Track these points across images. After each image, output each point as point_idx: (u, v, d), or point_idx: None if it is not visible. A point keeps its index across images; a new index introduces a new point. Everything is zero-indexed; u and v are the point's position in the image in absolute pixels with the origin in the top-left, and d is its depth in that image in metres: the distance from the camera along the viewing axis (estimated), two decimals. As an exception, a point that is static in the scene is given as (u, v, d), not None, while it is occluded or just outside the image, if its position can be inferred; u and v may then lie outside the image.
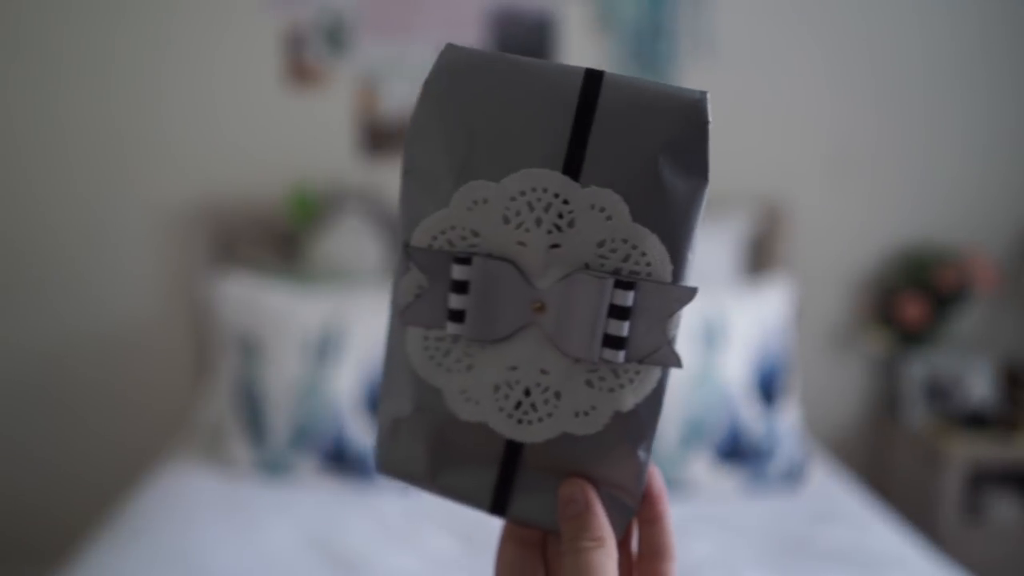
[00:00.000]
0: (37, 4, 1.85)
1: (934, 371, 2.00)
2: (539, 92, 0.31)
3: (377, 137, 1.94)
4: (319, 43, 1.90)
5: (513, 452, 0.33)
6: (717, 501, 1.44)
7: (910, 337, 2.00)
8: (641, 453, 0.33)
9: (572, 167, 0.31)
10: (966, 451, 1.81)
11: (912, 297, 1.95)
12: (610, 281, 0.31)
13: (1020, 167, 2.08)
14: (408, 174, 0.33)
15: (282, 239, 1.87)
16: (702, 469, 1.48)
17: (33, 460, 2.01)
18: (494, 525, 1.33)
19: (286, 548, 1.24)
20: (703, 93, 0.31)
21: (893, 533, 1.33)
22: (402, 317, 0.33)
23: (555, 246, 0.31)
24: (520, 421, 0.32)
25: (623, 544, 0.35)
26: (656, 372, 0.32)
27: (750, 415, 1.50)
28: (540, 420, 0.32)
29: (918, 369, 1.99)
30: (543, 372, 0.32)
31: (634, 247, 0.31)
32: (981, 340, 2.10)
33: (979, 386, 1.99)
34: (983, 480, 1.94)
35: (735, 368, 1.51)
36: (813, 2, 1.98)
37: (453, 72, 0.31)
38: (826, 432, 2.12)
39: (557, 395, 0.32)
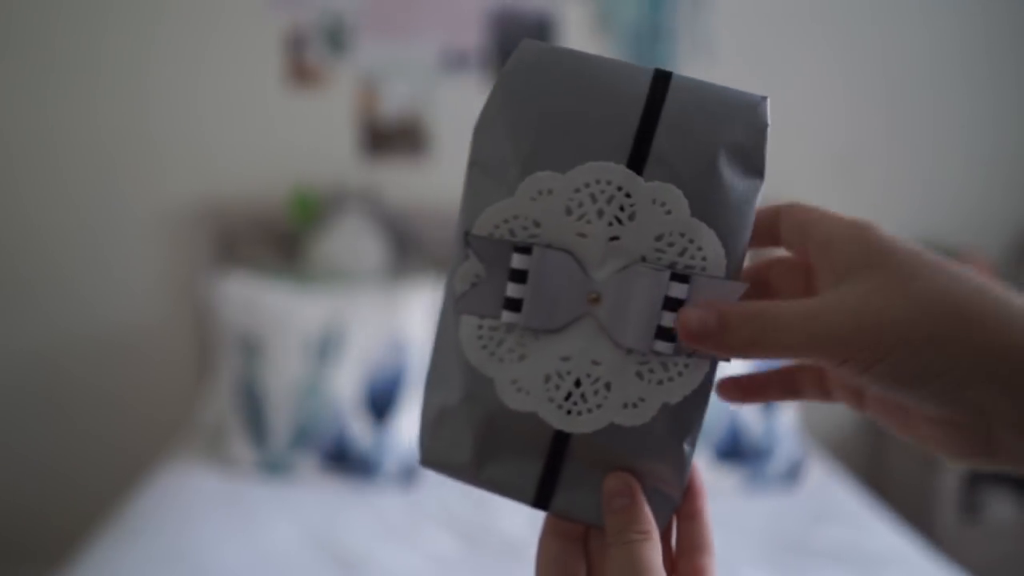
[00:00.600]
0: (39, 5, 1.86)
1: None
2: (609, 89, 0.32)
3: (377, 137, 1.94)
4: (320, 44, 1.90)
5: (560, 444, 0.33)
6: (716, 500, 1.45)
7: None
8: (686, 446, 0.33)
9: (636, 162, 0.32)
10: (964, 450, 1.82)
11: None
12: (666, 273, 0.32)
13: (1017, 167, 2.09)
14: (475, 165, 0.33)
15: (283, 239, 1.87)
16: (701, 468, 1.48)
17: (35, 460, 2.01)
18: (494, 525, 1.33)
19: (287, 547, 1.24)
20: (763, 97, 0.33)
21: (891, 532, 1.34)
22: (457, 305, 0.33)
23: (614, 238, 0.32)
24: (569, 412, 0.33)
25: (664, 538, 0.36)
26: (705, 365, 0.33)
27: (749, 415, 1.51)
28: (589, 411, 0.33)
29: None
30: (595, 363, 0.33)
31: (691, 241, 0.32)
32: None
33: (977, 386, 1.99)
34: (980, 479, 1.95)
35: (734, 368, 1.52)
36: (812, 3, 1.99)
37: (528, 66, 0.33)
38: (824, 432, 2.13)
39: (607, 386, 0.33)
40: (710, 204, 0.32)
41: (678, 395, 0.33)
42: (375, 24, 1.91)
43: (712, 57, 1.97)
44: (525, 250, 0.32)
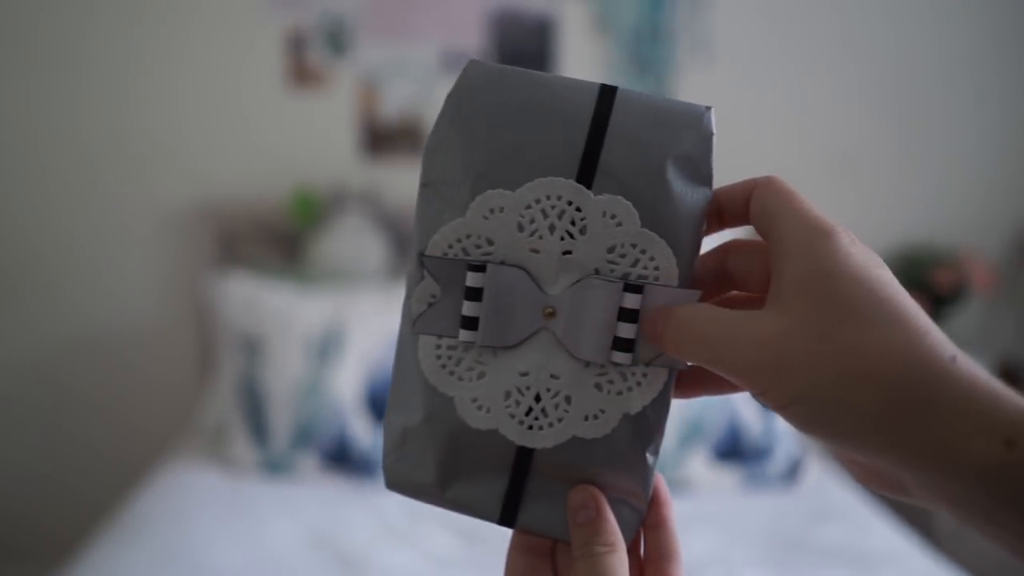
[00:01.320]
0: (39, 5, 1.86)
1: (931, 371, 2.01)
2: (556, 105, 0.33)
3: (378, 138, 1.95)
4: (320, 45, 1.91)
5: (523, 460, 0.34)
6: (716, 499, 1.45)
7: (907, 337, 2.01)
8: (649, 456, 0.34)
9: (585, 176, 0.32)
10: (962, 450, 1.82)
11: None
12: (619, 284, 0.32)
13: (1017, 169, 2.09)
14: (426, 186, 0.34)
15: (284, 239, 1.88)
16: (701, 468, 1.49)
17: (37, 460, 2.02)
18: (494, 524, 1.34)
19: (288, 546, 1.25)
20: (708, 108, 0.33)
21: (890, 531, 1.35)
22: (414, 326, 0.34)
23: (567, 253, 0.33)
24: (531, 427, 0.33)
25: (632, 549, 0.36)
26: (663, 374, 0.33)
27: (748, 414, 1.52)
28: (551, 425, 0.33)
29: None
30: (553, 377, 0.33)
31: (643, 252, 0.32)
32: (978, 340, 2.11)
33: (975, 385, 2.00)
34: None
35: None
36: (811, 4, 1.99)
37: (474, 86, 0.33)
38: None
39: (567, 399, 0.33)
40: (660, 214, 0.32)
41: (638, 405, 0.33)
42: (375, 25, 1.91)
43: (711, 57, 1.98)
44: (479, 268, 0.33)
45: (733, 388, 0.34)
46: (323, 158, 1.94)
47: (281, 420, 1.48)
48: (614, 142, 0.32)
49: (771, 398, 0.29)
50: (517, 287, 0.33)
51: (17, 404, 2.00)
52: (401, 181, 1.95)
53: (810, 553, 1.26)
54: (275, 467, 1.48)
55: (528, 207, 0.32)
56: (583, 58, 1.96)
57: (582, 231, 0.32)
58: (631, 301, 0.32)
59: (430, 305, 0.33)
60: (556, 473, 0.34)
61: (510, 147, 0.33)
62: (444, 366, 0.33)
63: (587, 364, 0.33)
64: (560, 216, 0.32)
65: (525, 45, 1.94)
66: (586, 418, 0.33)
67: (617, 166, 0.32)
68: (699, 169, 0.33)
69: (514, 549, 0.35)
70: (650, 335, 0.32)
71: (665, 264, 0.32)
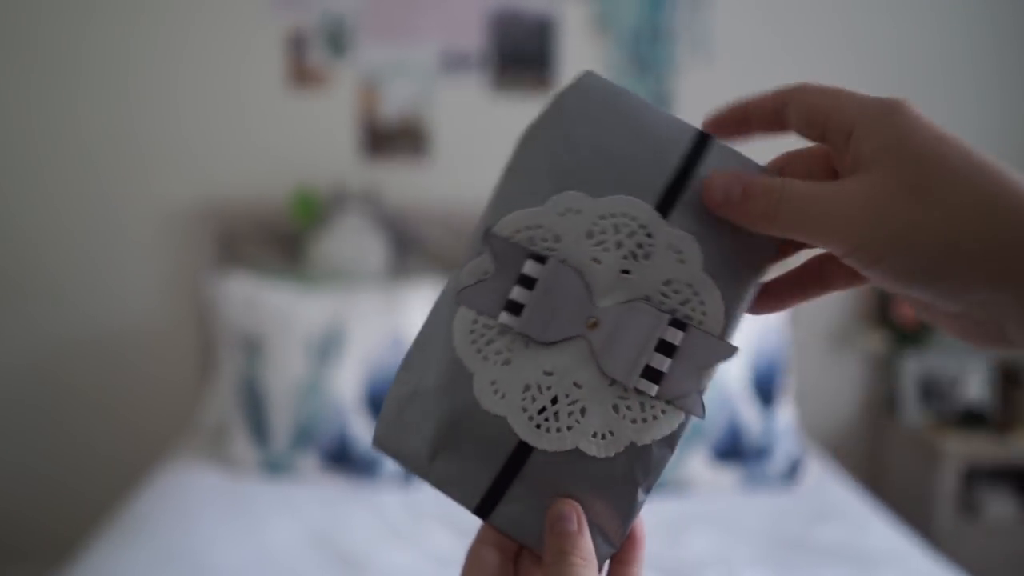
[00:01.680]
0: (40, 6, 1.86)
1: (930, 370, 2.01)
2: (654, 133, 0.35)
3: (378, 138, 1.95)
4: (321, 45, 1.91)
5: (518, 458, 0.33)
6: (715, 499, 1.46)
7: (906, 336, 2.02)
8: (641, 494, 0.34)
9: (665, 207, 0.34)
10: (962, 449, 1.83)
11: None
12: (666, 318, 0.33)
13: (1016, 169, 2.09)
14: (511, 170, 0.35)
15: (284, 240, 1.88)
16: (700, 467, 1.49)
17: (38, 460, 2.02)
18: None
19: (289, 545, 1.25)
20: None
21: (889, 530, 1.35)
22: (459, 295, 0.34)
23: (625, 272, 0.33)
24: (539, 426, 0.33)
25: None
26: (679, 417, 0.33)
27: (748, 414, 1.52)
28: (558, 430, 0.33)
29: (914, 368, 2.01)
30: (576, 385, 0.33)
31: (695, 294, 0.33)
32: (977, 340, 2.11)
33: (975, 385, 2.00)
34: (979, 478, 1.96)
35: (732, 368, 1.52)
36: (810, 4, 2.00)
37: (586, 91, 0.35)
38: (823, 431, 2.14)
39: (582, 411, 0.33)
40: (723, 264, 0.33)
41: (648, 438, 0.33)
42: (376, 26, 1.91)
43: (711, 57, 1.98)
44: (540, 259, 0.33)
45: (815, 285, 0.35)
46: (323, 158, 1.94)
47: (281, 420, 1.48)
48: (699, 184, 0.34)
49: (865, 253, 0.29)
50: (569, 289, 0.33)
51: (18, 404, 2.00)
52: (401, 181, 1.96)
53: (810, 553, 1.27)
54: (275, 467, 1.48)
55: (603, 217, 0.34)
56: (583, 58, 1.96)
57: (646, 256, 0.33)
58: (673, 336, 0.33)
59: (480, 281, 0.34)
60: (545, 480, 0.33)
61: (603, 157, 0.34)
62: (474, 342, 0.34)
63: (612, 383, 0.33)
64: (630, 236, 0.33)
65: (525, 45, 1.95)
66: (594, 435, 0.33)
67: (697, 207, 0.34)
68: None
69: (482, 543, 0.34)
70: (726, 206, 0.32)
71: (713, 311, 0.33)
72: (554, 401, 0.33)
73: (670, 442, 0.33)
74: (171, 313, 1.98)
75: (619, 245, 0.33)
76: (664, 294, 0.33)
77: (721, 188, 0.32)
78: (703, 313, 0.33)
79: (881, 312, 2.04)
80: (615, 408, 0.33)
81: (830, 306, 2.10)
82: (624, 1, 1.95)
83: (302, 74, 1.92)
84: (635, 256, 0.33)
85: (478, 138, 1.97)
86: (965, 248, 0.27)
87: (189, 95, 1.92)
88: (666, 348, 0.33)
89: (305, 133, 1.94)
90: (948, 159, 0.28)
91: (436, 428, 0.34)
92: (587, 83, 0.35)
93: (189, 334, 1.97)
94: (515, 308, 0.33)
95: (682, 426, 0.33)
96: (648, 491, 0.34)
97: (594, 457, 0.33)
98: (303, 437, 1.48)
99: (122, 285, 1.97)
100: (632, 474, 0.33)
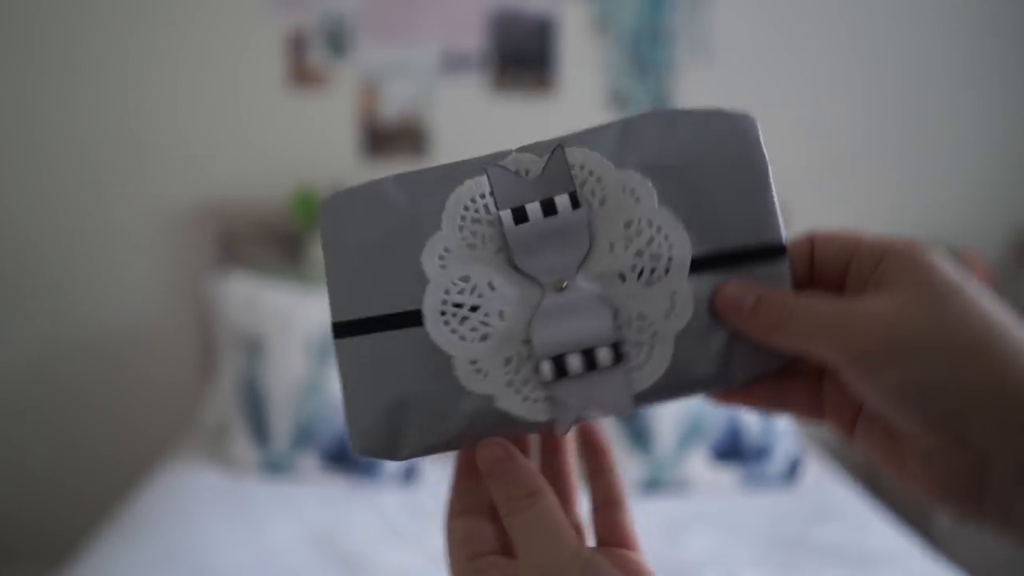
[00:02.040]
0: (39, 5, 1.86)
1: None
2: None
3: (378, 138, 1.95)
4: (321, 45, 1.91)
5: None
6: (715, 499, 1.46)
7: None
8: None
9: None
10: (962, 450, 1.82)
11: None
12: (610, 340, 0.33)
13: (1016, 169, 2.10)
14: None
15: (285, 240, 1.88)
16: (700, 467, 1.49)
17: (39, 460, 2.02)
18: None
19: (289, 545, 1.25)
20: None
21: (889, 531, 1.35)
22: (494, 172, 0.35)
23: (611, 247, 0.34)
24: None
25: (567, 502, 0.36)
26: (547, 415, 0.33)
27: (748, 414, 1.52)
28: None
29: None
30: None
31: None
32: (977, 340, 2.11)
33: (975, 385, 2.00)
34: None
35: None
36: (810, 5, 2.00)
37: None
38: (822, 431, 2.14)
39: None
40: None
41: (518, 412, 0.34)
42: (376, 26, 1.92)
43: (711, 57, 1.98)
44: (575, 202, 0.34)
45: (776, 404, 0.35)
46: (323, 158, 1.94)
47: (282, 420, 1.48)
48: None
49: (872, 360, 0.29)
50: (575, 240, 0.34)
51: (18, 404, 2.00)
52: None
53: (810, 553, 1.27)
54: (276, 467, 1.48)
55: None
56: (583, 58, 1.97)
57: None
58: (602, 358, 0.33)
59: (518, 174, 0.34)
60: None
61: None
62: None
63: (527, 341, 0.34)
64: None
65: (525, 45, 1.95)
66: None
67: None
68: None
69: (451, 517, 0.35)
70: (729, 307, 0.33)
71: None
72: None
73: (531, 428, 0.34)
74: (171, 313, 1.98)
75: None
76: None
77: (734, 296, 0.33)
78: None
79: (881, 312, 2.04)
80: (506, 361, 0.33)
81: (830, 306, 2.10)
82: (624, 1, 1.95)
83: (302, 74, 1.92)
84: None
85: (478, 138, 1.97)
86: (972, 373, 0.28)
87: (189, 95, 1.92)
88: (588, 361, 0.33)
89: (305, 133, 1.94)
90: (964, 289, 0.29)
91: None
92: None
93: (189, 334, 1.97)
94: (521, 217, 0.34)
95: (544, 424, 0.33)
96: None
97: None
98: (303, 437, 1.48)
99: (122, 285, 1.97)
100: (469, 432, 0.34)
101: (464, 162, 0.35)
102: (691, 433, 1.49)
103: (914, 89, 2.04)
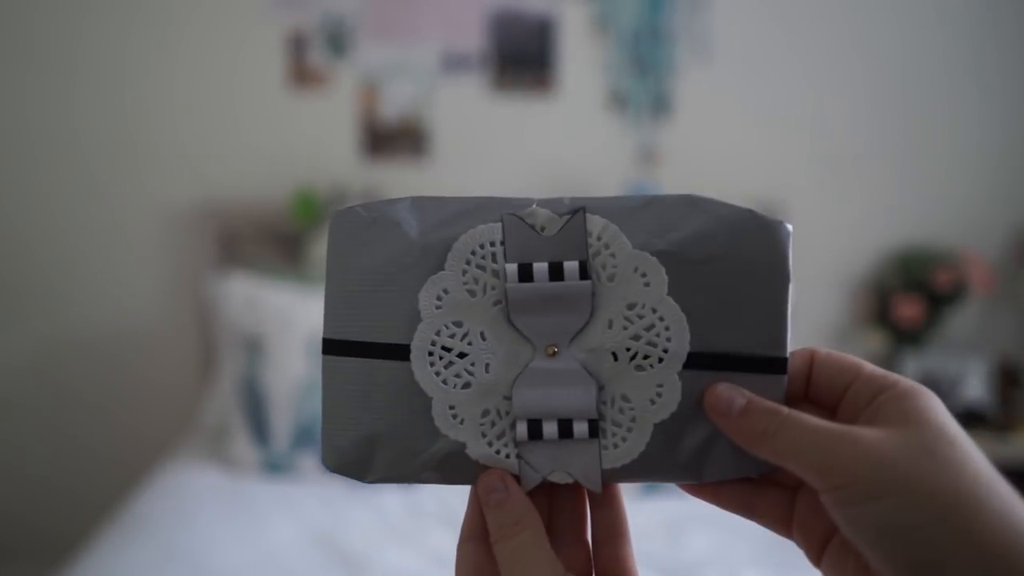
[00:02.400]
0: (38, 5, 1.86)
1: (930, 371, 2.01)
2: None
3: (378, 138, 1.95)
4: (321, 46, 1.91)
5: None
6: (715, 499, 1.46)
7: (906, 337, 2.02)
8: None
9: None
10: (962, 450, 1.83)
11: (908, 297, 1.96)
12: (591, 414, 0.33)
13: (1016, 169, 2.10)
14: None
15: (285, 240, 1.88)
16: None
17: (39, 460, 2.02)
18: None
19: (289, 545, 1.25)
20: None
21: (889, 530, 1.35)
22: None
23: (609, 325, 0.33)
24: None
25: (579, 531, 0.36)
26: (512, 469, 0.34)
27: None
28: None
29: (914, 369, 2.01)
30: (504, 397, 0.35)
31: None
32: (976, 340, 2.11)
33: (974, 385, 2.00)
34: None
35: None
36: (809, 5, 2.00)
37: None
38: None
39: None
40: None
41: (475, 453, 0.34)
42: (376, 26, 1.92)
43: (711, 57, 1.98)
44: (585, 274, 0.33)
45: (740, 507, 0.35)
46: (324, 158, 1.94)
47: (282, 420, 1.48)
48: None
49: (853, 492, 0.29)
50: (577, 305, 0.33)
51: (18, 405, 2.00)
52: (401, 182, 1.96)
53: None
54: (276, 467, 1.48)
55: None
56: (583, 58, 1.97)
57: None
58: (578, 430, 0.33)
59: (534, 234, 0.34)
60: None
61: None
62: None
63: (507, 398, 0.34)
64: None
65: (525, 45, 1.95)
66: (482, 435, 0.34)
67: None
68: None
69: (465, 540, 0.35)
70: (724, 417, 0.32)
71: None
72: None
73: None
74: (171, 313, 1.98)
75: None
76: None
77: (724, 397, 0.32)
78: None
79: (880, 313, 2.05)
80: (484, 413, 0.34)
81: (830, 307, 2.10)
82: (624, 1, 1.95)
83: (302, 74, 1.92)
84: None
85: (478, 138, 1.97)
86: (957, 528, 0.27)
87: (189, 95, 1.92)
88: (564, 429, 0.33)
89: (305, 133, 1.94)
90: (960, 442, 0.29)
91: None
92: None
93: (189, 334, 1.97)
94: (527, 275, 0.33)
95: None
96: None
97: None
98: (303, 437, 1.48)
99: (122, 285, 1.97)
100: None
101: (484, 201, 0.34)
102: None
103: (914, 89, 2.04)
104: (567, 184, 1.99)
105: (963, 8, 2.02)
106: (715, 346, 0.33)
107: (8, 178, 1.92)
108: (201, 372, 1.93)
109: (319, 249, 1.79)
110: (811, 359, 0.33)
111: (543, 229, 0.33)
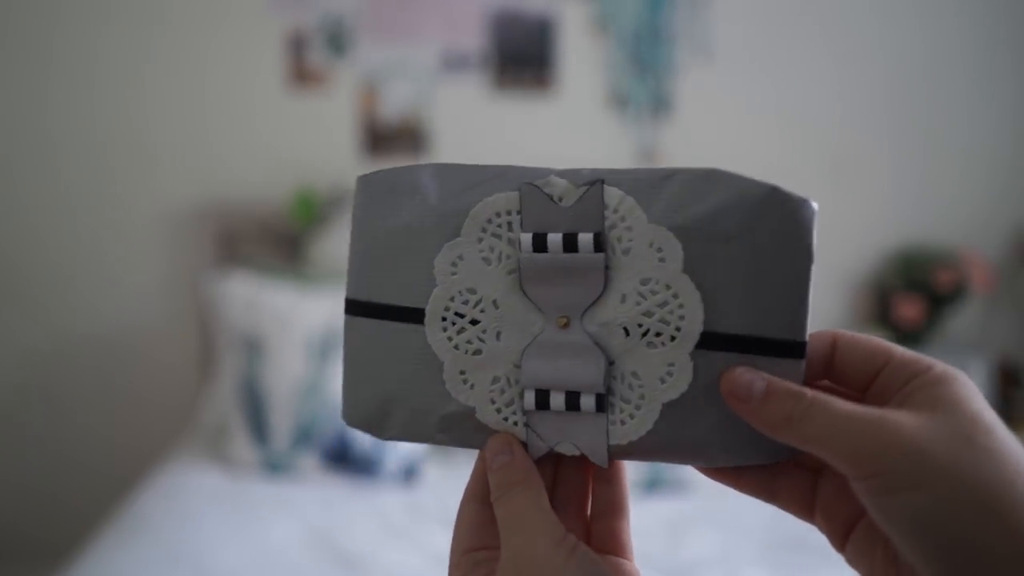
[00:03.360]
0: (40, 8, 1.86)
1: (930, 370, 2.01)
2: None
3: (378, 138, 1.95)
4: (321, 46, 1.91)
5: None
6: (717, 499, 1.45)
7: (906, 337, 2.02)
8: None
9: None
10: (962, 450, 1.83)
11: (908, 297, 1.96)
12: (599, 387, 0.32)
13: (1016, 169, 2.09)
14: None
15: (285, 240, 1.88)
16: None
17: (39, 460, 2.02)
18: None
19: (289, 545, 1.25)
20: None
21: (889, 530, 1.35)
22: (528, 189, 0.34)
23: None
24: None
25: (579, 504, 0.36)
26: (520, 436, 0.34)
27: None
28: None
29: (915, 368, 2.01)
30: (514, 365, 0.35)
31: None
32: (977, 340, 2.11)
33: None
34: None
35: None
36: (810, 5, 2.00)
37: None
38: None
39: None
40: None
41: (485, 419, 0.34)
42: (376, 26, 1.92)
43: (711, 57, 1.98)
44: (600, 245, 0.32)
45: (762, 492, 0.34)
46: (323, 158, 1.94)
47: (281, 420, 1.48)
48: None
49: (886, 481, 0.27)
50: (591, 280, 0.33)
51: (17, 404, 2.00)
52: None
53: (810, 553, 1.27)
54: (275, 467, 1.48)
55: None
56: (583, 58, 1.96)
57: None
58: (585, 403, 0.33)
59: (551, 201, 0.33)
60: None
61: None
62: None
63: (517, 366, 0.34)
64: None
65: (525, 45, 1.95)
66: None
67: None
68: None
69: (467, 500, 0.35)
70: (737, 394, 0.30)
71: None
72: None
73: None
74: (171, 313, 1.98)
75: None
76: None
77: (743, 381, 0.30)
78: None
79: (881, 313, 2.04)
80: (493, 380, 0.34)
81: (830, 306, 2.10)
82: (624, 1, 1.95)
83: (302, 74, 1.92)
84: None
85: (478, 138, 1.97)
86: (993, 524, 0.26)
87: (189, 95, 1.92)
88: (571, 402, 0.33)
89: (305, 133, 1.94)
90: (999, 429, 0.28)
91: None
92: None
93: (189, 334, 1.97)
94: (541, 245, 0.33)
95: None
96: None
97: None
98: (303, 437, 1.48)
99: (122, 285, 1.97)
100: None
101: (504, 170, 0.34)
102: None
103: (914, 89, 2.04)
104: (567, 184, 1.98)
105: (963, 8, 2.02)
106: (731, 327, 0.31)
107: (8, 178, 1.92)
108: (201, 372, 1.93)
109: (319, 249, 1.79)
110: (833, 342, 0.32)
111: (561, 199, 0.33)
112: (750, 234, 0.31)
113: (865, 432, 0.28)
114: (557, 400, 0.33)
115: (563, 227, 0.33)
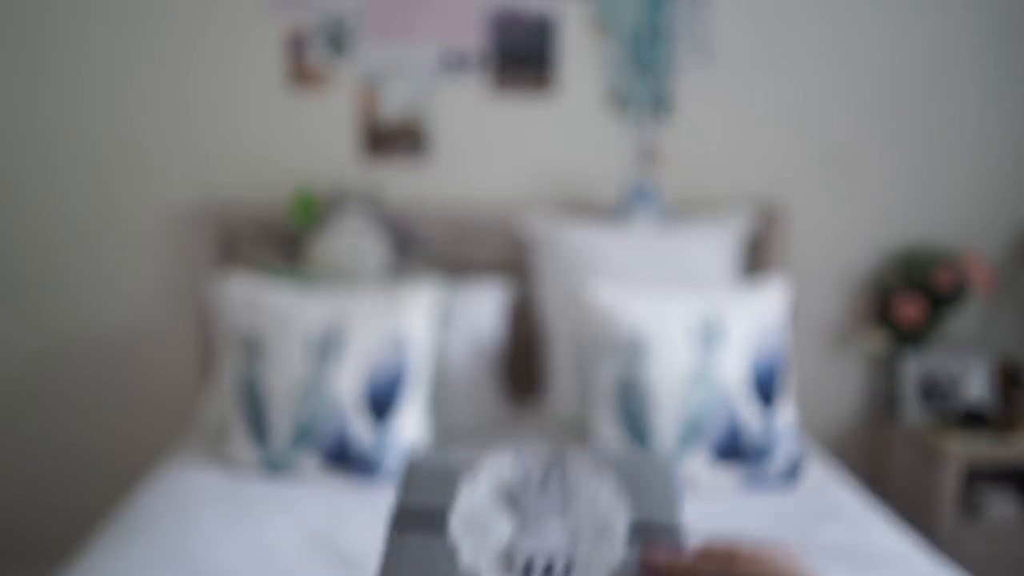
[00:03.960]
0: (39, 6, 1.86)
1: (931, 370, 2.01)
2: None
3: (378, 138, 1.95)
4: (321, 46, 1.91)
5: None
6: (715, 499, 1.45)
7: (907, 337, 2.02)
8: None
9: None
10: (963, 449, 1.83)
11: (909, 297, 1.96)
12: None
13: (1017, 169, 2.09)
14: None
15: (284, 239, 1.88)
16: (700, 467, 1.49)
17: (39, 460, 2.02)
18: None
19: (288, 545, 1.25)
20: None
21: (891, 531, 1.35)
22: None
23: None
24: None
25: None
26: None
27: (748, 414, 1.52)
28: None
29: (915, 368, 2.01)
30: None
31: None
32: (977, 340, 2.11)
33: (975, 385, 2.00)
34: (980, 478, 1.95)
35: (733, 367, 1.52)
36: (809, 5, 2.00)
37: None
38: (824, 431, 2.13)
39: None
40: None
41: None
42: (375, 26, 1.92)
43: (711, 57, 1.98)
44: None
45: None
46: (323, 159, 1.94)
47: (281, 420, 1.48)
48: None
49: None
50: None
51: (17, 403, 2.00)
52: (401, 181, 1.96)
53: (810, 553, 1.26)
54: (275, 467, 1.48)
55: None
56: (583, 57, 1.96)
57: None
58: None
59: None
60: None
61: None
62: None
63: None
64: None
65: (525, 45, 1.95)
66: None
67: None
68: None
69: None
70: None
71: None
72: None
73: None
74: (171, 313, 1.98)
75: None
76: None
77: (655, 556, 0.41)
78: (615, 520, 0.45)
79: (882, 312, 2.04)
80: None
81: (830, 307, 2.10)
82: (624, 1, 1.95)
83: (302, 74, 1.92)
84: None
85: (478, 138, 1.97)
86: None
87: (189, 95, 1.92)
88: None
89: (305, 133, 1.94)
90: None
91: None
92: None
93: (189, 334, 1.97)
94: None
95: None
96: None
97: None
98: (303, 437, 1.48)
99: (122, 285, 1.97)
100: None
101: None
102: (691, 433, 1.49)
103: (915, 89, 2.04)
104: (567, 183, 1.99)
105: (963, 9, 2.02)
106: (643, 519, 0.46)
107: (8, 178, 1.92)
108: (201, 372, 1.93)
109: (319, 249, 1.79)
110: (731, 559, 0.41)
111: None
112: (650, 476, 0.49)
113: None
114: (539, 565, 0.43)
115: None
